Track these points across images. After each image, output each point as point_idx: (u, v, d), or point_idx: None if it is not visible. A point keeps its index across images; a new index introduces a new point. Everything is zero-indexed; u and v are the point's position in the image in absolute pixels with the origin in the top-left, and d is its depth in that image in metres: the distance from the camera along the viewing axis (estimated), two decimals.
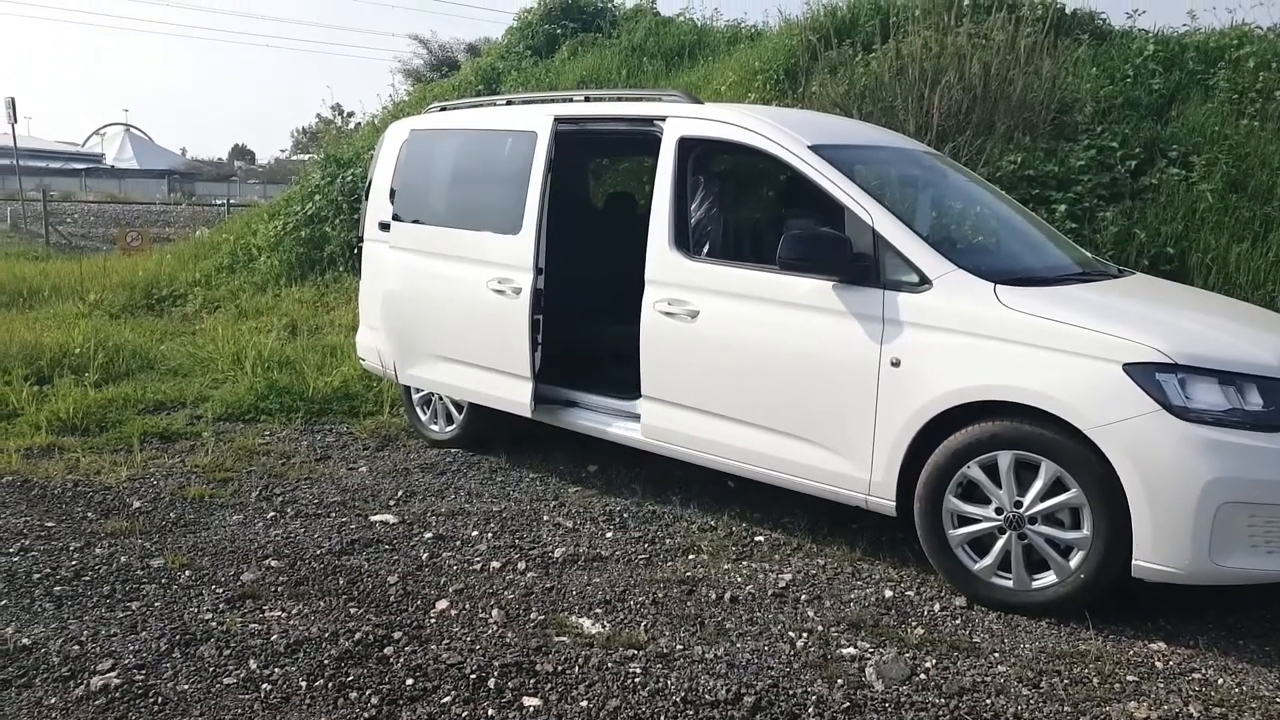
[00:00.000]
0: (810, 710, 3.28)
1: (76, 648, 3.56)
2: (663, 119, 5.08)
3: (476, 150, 6.01)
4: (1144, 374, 3.66)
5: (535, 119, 5.56)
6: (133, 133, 70.18)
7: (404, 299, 6.21)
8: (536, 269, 5.37)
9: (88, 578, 4.19)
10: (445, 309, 5.91)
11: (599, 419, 5.39)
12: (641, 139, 5.30)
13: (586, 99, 5.68)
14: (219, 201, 35.42)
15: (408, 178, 6.34)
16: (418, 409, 6.45)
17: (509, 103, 5.96)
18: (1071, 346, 3.81)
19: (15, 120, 25.60)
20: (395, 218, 6.30)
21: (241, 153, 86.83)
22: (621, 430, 5.24)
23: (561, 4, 14.32)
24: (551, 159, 5.42)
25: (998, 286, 4.08)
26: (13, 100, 25.19)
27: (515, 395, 5.54)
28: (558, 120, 5.46)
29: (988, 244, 5.22)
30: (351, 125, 18.37)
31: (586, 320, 5.89)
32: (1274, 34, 8.97)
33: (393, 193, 6.37)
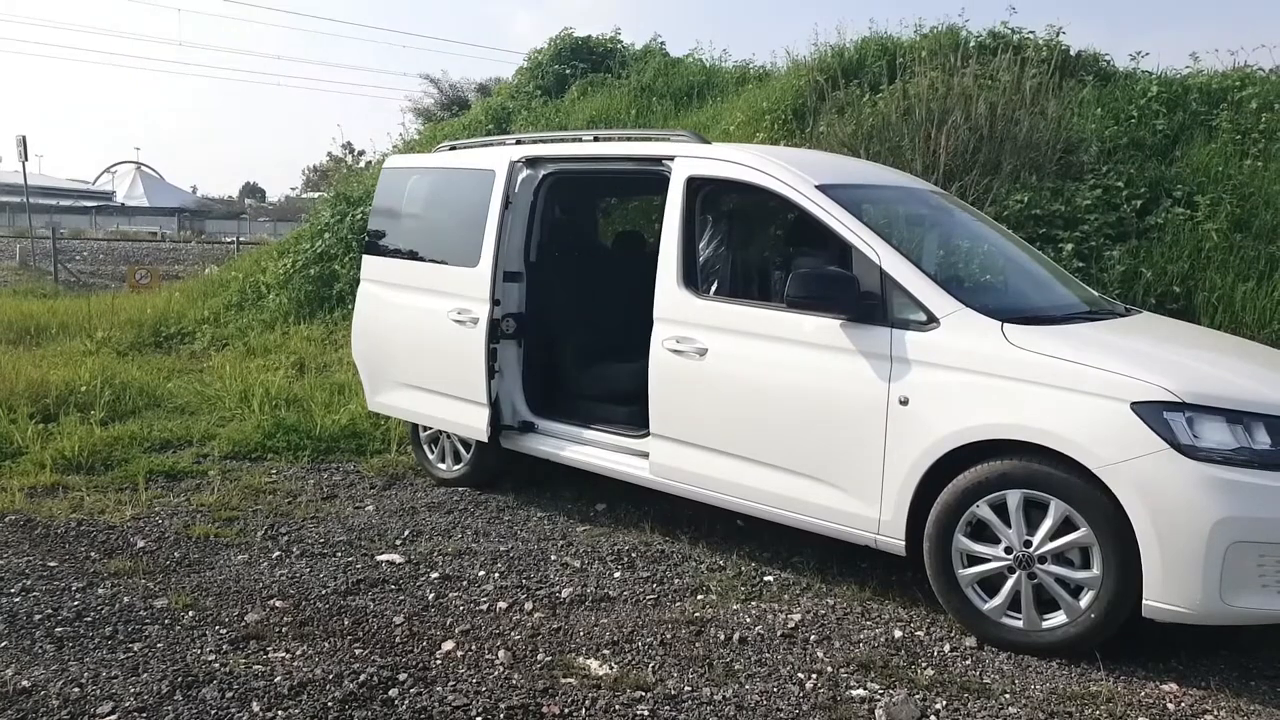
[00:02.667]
0: None
1: (76, 690, 3.52)
2: (671, 159, 5.12)
3: (440, 188, 6.29)
4: (1152, 413, 3.65)
5: (493, 159, 5.80)
6: (144, 170, 70.54)
7: (373, 329, 6.46)
8: (493, 300, 5.59)
9: (89, 618, 4.16)
10: (410, 338, 6.14)
11: (606, 455, 5.38)
12: (649, 178, 5.34)
13: (595, 139, 5.76)
14: (229, 239, 35.61)
15: (380, 214, 6.66)
16: (425, 447, 6.44)
17: (518, 142, 6.02)
18: (1079, 385, 3.79)
19: (26, 158, 25.79)
20: (367, 251, 6.61)
21: (252, 190, 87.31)
22: (630, 468, 5.22)
23: (571, 44, 14.49)
24: (509, 196, 5.64)
25: (1005, 325, 4.07)
26: (24, 138, 25.39)
27: (473, 421, 5.72)
28: (515, 162, 5.69)
29: (995, 283, 5.22)
30: (362, 164, 18.49)
31: (594, 357, 5.90)
32: (1276, 76, 9.02)
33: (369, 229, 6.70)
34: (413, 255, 6.26)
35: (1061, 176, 7.87)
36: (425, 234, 6.30)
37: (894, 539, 4.22)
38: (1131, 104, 8.80)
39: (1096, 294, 5.41)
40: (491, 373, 5.63)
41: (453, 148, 6.49)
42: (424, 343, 6.02)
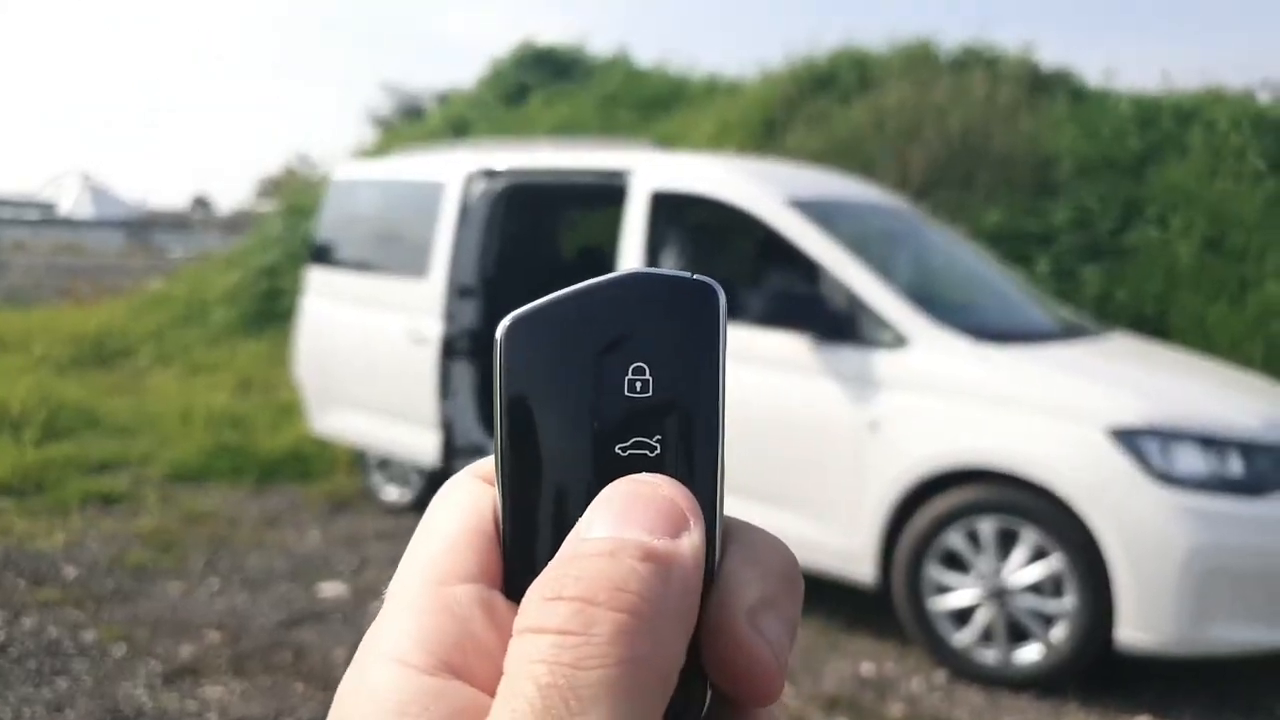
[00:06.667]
0: None
1: None
2: (632, 171, 4.96)
3: (392, 200, 6.08)
4: (1125, 438, 3.56)
5: (447, 170, 5.64)
6: (91, 182, 69.43)
7: (318, 346, 6.22)
8: (446, 317, 5.39)
9: (13, 653, 3.93)
10: (358, 356, 5.91)
11: None
12: (612, 191, 5.18)
13: (554, 150, 5.63)
14: (175, 254, 34.97)
15: (328, 226, 6.43)
16: (373, 471, 6.21)
17: (474, 152, 5.87)
18: (1052, 408, 3.71)
19: None
20: (314, 262, 6.38)
21: (202, 202, 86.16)
22: None
23: (534, 53, 14.24)
24: (463, 209, 5.48)
25: (977, 345, 3.98)
26: None
27: (424, 445, 5.50)
28: (471, 174, 5.52)
29: (967, 302, 5.13)
30: (319, 175, 18.10)
31: None
32: (1246, 95, 9.07)
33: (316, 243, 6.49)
34: (362, 268, 6.04)
35: (1036, 193, 7.84)
36: (376, 246, 6.10)
37: (864, 570, 4.08)
38: (1104, 122, 8.79)
39: (1070, 314, 5.34)
40: (444, 393, 5.42)
41: (408, 158, 6.32)
42: (372, 361, 5.80)
